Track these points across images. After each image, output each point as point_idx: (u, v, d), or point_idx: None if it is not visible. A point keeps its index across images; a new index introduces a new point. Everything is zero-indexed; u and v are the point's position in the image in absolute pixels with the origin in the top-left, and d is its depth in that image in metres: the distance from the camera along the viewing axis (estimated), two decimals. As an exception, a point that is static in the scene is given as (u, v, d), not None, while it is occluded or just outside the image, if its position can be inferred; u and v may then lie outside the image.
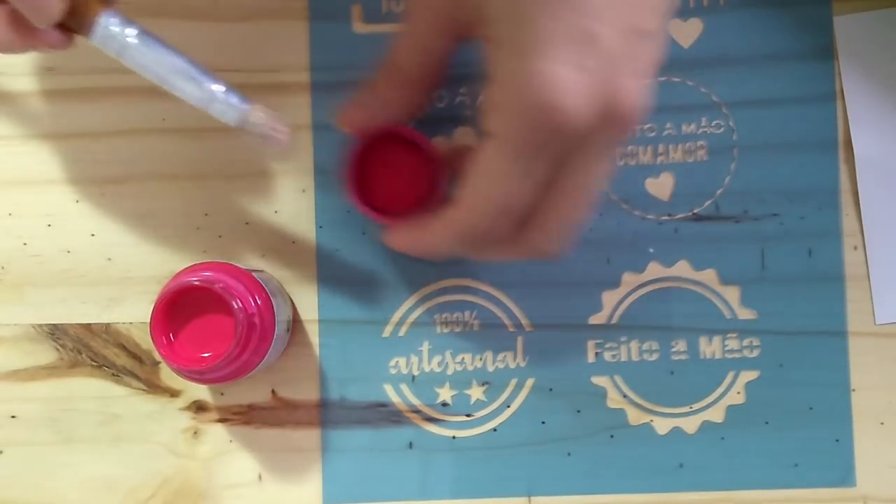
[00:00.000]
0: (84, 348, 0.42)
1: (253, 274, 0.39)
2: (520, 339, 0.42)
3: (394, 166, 0.39)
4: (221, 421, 0.42)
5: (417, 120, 0.39)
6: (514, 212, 0.33)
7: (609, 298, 0.42)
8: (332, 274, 0.42)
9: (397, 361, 0.42)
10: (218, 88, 0.34)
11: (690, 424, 0.42)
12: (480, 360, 0.42)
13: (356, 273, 0.42)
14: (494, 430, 0.42)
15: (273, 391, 0.42)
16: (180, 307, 0.37)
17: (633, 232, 0.42)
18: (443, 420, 0.42)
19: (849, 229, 0.42)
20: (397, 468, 0.42)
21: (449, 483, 0.42)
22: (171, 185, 0.42)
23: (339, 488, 0.42)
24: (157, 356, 0.41)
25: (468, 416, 0.42)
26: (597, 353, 0.42)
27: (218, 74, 0.34)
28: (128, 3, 0.40)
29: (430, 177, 0.39)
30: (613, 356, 0.42)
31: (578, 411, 0.42)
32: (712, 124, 0.42)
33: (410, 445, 0.42)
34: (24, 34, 0.32)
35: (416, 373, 0.42)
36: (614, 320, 0.42)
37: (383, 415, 0.42)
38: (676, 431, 0.42)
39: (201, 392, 0.42)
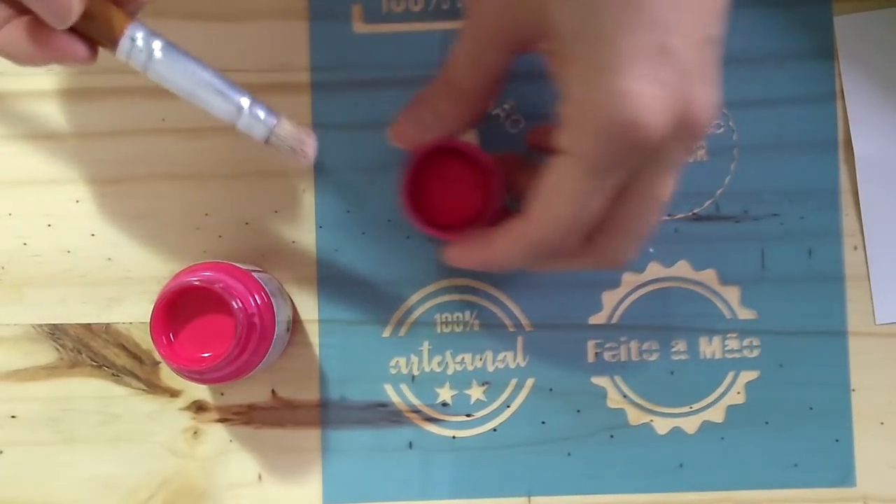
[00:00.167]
0: (84, 348, 0.42)
1: (253, 274, 0.39)
2: (520, 339, 0.42)
3: (448, 179, 0.38)
4: (221, 421, 0.42)
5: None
6: (586, 226, 0.32)
7: (609, 298, 0.42)
8: (332, 274, 0.42)
9: (397, 361, 0.42)
10: (244, 102, 0.34)
11: (690, 424, 0.42)
12: (480, 360, 0.42)
13: (356, 273, 0.42)
14: (494, 430, 0.42)
15: (273, 391, 0.42)
16: (180, 307, 0.37)
17: (634, 232, 0.42)
18: (443, 420, 0.42)
19: (849, 229, 0.42)
20: (397, 468, 0.42)
21: (449, 483, 0.42)
22: (171, 185, 0.42)
23: (339, 488, 0.42)
24: (157, 356, 0.41)
25: (468, 416, 0.42)
26: (597, 353, 0.42)
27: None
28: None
29: (485, 189, 0.38)
30: (613, 356, 0.42)
31: (578, 411, 0.42)
32: (712, 124, 0.42)
33: (410, 445, 0.42)
34: (45, 45, 0.31)
35: (416, 373, 0.42)
36: (614, 320, 0.42)
37: (383, 415, 0.42)
38: (676, 431, 0.42)
39: (201, 392, 0.42)
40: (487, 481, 0.42)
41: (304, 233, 0.42)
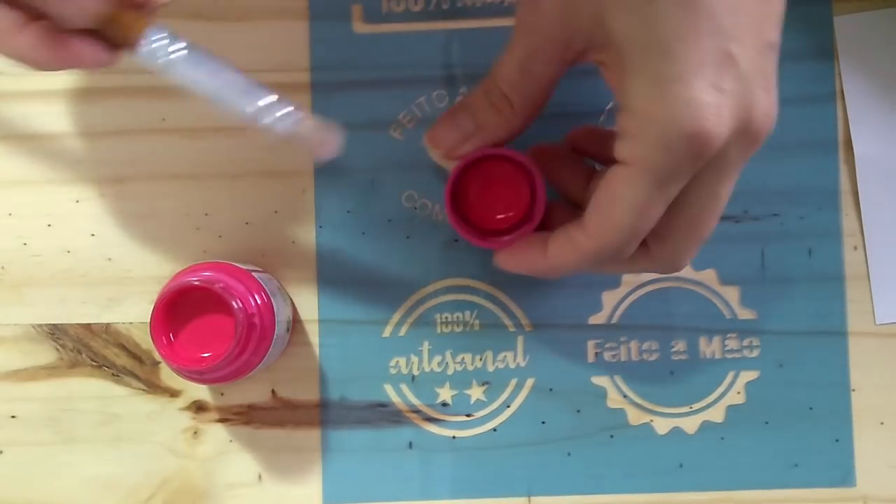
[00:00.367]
0: (84, 348, 0.42)
1: (253, 274, 0.39)
2: (520, 339, 0.42)
3: (491, 185, 0.37)
4: (221, 421, 0.42)
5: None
6: (644, 233, 0.32)
7: (609, 298, 0.42)
8: (332, 274, 0.42)
9: (397, 361, 0.42)
10: (267, 100, 0.34)
11: (690, 424, 0.42)
12: (480, 360, 0.42)
13: (356, 273, 0.42)
14: (494, 430, 0.42)
15: (273, 391, 0.42)
16: (180, 307, 0.37)
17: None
18: (443, 420, 0.42)
19: (849, 229, 0.42)
20: (397, 468, 0.42)
21: (449, 483, 0.42)
22: (171, 185, 0.42)
23: (339, 488, 0.42)
24: (157, 356, 0.41)
25: (468, 416, 0.42)
26: (597, 353, 0.42)
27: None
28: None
29: (530, 192, 0.37)
30: (613, 356, 0.42)
31: (578, 411, 0.42)
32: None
33: (410, 445, 0.42)
34: (63, 50, 0.31)
35: (416, 373, 0.42)
36: (614, 320, 0.42)
37: (383, 415, 0.42)
38: (676, 431, 0.42)
39: (201, 392, 0.42)
40: (487, 481, 0.42)
41: (304, 233, 0.42)
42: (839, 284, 0.42)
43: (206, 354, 0.37)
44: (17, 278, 0.42)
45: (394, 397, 0.42)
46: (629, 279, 0.42)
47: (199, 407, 0.42)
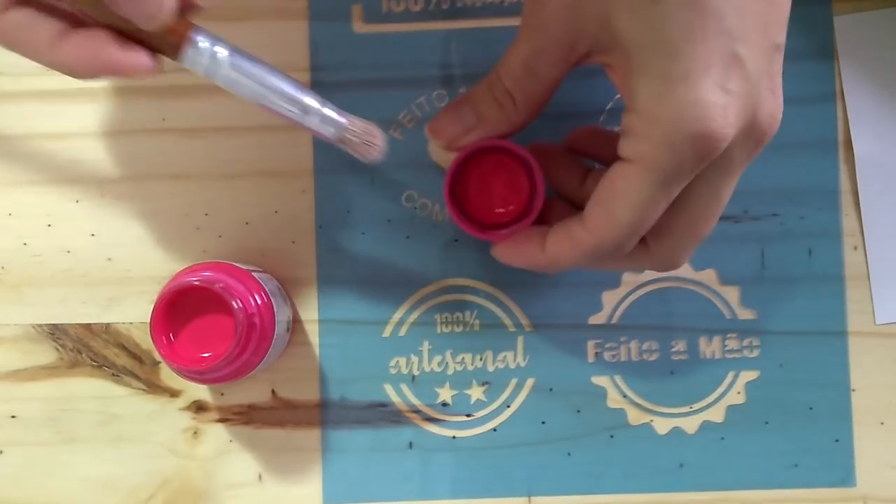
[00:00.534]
0: (84, 348, 0.42)
1: (253, 274, 0.39)
2: (520, 339, 0.42)
3: (490, 178, 0.38)
4: (221, 421, 0.42)
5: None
6: (645, 230, 0.32)
7: (609, 298, 0.42)
8: (332, 274, 0.42)
9: (397, 361, 0.42)
10: (314, 102, 0.33)
11: (690, 424, 0.42)
12: (480, 360, 0.42)
13: (356, 273, 0.42)
14: (494, 430, 0.42)
15: (273, 391, 0.42)
16: (180, 307, 0.37)
17: (634, 232, 0.42)
18: (443, 420, 0.42)
19: (849, 229, 0.42)
20: (397, 468, 0.42)
21: (449, 483, 0.42)
22: (171, 185, 0.42)
23: (339, 488, 0.42)
24: (157, 356, 0.41)
25: (468, 416, 0.42)
26: (597, 353, 0.42)
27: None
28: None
29: (530, 185, 0.37)
30: (613, 356, 0.42)
31: (578, 411, 0.42)
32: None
33: (410, 445, 0.42)
34: (106, 57, 0.30)
35: (416, 373, 0.42)
36: (614, 320, 0.42)
37: (383, 415, 0.42)
38: (676, 431, 0.42)
39: (201, 392, 0.42)
40: (487, 481, 0.42)
41: (304, 233, 0.42)
42: (839, 284, 0.42)
43: (206, 354, 0.37)
44: (17, 278, 0.42)
45: (394, 397, 0.42)
46: (629, 279, 0.42)
47: (199, 407, 0.42)
